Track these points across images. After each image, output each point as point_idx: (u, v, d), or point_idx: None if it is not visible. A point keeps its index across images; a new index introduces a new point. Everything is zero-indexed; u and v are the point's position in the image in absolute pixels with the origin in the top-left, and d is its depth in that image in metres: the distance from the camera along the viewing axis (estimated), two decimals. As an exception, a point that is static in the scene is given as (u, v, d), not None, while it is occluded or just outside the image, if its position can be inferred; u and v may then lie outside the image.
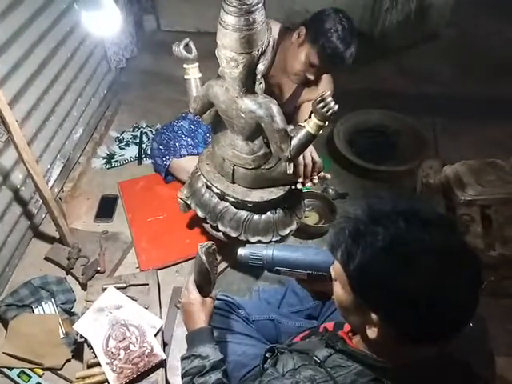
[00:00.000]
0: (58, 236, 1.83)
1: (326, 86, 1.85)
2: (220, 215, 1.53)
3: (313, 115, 1.25)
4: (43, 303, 1.65)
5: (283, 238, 1.59)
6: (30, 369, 1.49)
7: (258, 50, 1.19)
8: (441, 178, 1.85)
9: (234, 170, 1.46)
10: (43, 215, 1.99)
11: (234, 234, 1.54)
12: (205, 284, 1.10)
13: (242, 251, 1.11)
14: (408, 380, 0.70)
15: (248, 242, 1.53)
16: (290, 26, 1.80)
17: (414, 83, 2.89)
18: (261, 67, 1.23)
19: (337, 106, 1.20)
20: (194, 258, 1.87)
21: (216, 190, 1.51)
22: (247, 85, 1.27)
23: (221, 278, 1.81)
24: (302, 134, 1.29)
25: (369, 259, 0.65)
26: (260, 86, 1.28)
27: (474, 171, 1.79)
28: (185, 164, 2.05)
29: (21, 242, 1.84)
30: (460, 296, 0.64)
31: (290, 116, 1.94)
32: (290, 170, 1.39)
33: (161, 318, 1.56)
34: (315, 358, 0.75)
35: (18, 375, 1.47)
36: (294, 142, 1.30)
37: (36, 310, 1.64)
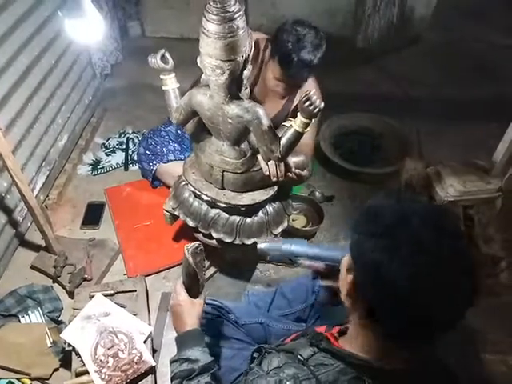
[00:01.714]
0: (43, 244, 1.82)
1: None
2: (212, 222, 1.54)
3: (299, 114, 1.28)
4: (30, 312, 1.63)
5: (276, 237, 1.61)
6: (18, 379, 1.48)
7: (243, 56, 1.21)
8: (424, 178, 1.88)
9: (223, 175, 1.47)
10: (29, 223, 1.97)
11: (228, 240, 1.54)
12: (193, 285, 1.11)
13: (261, 245, 1.17)
14: (389, 380, 0.71)
15: (243, 245, 1.54)
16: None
17: (397, 86, 2.94)
18: (246, 72, 1.26)
19: (322, 104, 1.24)
20: (181, 263, 1.88)
21: (206, 198, 1.51)
22: (232, 91, 1.28)
23: (209, 282, 1.81)
24: (290, 133, 1.32)
25: (379, 258, 0.65)
26: (246, 91, 1.30)
27: (456, 172, 1.83)
28: (172, 169, 2.04)
29: (6, 250, 1.81)
30: (453, 304, 0.64)
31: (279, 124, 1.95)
32: (267, 172, 1.43)
33: (150, 324, 1.56)
34: (299, 356, 0.76)
35: (6, 386, 1.45)
36: (283, 141, 1.33)
37: (22, 320, 1.62)
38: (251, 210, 1.51)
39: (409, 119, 2.58)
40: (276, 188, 1.54)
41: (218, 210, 1.53)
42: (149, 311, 1.60)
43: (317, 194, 2.17)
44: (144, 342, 1.44)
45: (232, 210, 1.50)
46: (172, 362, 1.02)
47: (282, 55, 1.51)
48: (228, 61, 1.18)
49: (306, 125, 1.29)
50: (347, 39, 3.13)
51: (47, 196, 2.10)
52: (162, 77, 1.44)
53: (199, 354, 0.98)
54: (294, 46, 1.48)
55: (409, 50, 3.27)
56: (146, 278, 1.75)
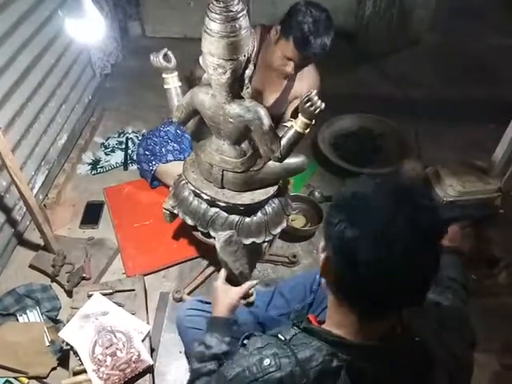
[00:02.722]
0: (42, 243, 1.82)
1: (313, 82, 1.88)
2: (211, 221, 1.54)
3: (300, 114, 1.29)
4: (28, 311, 1.63)
5: (275, 237, 1.61)
6: (16, 378, 1.48)
7: (245, 56, 1.21)
8: (423, 179, 1.89)
9: (223, 174, 1.47)
10: (27, 222, 1.97)
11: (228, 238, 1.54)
12: (229, 274, 1.15)
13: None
14: (364, 356, 0.73)
15: (242, 244, 1.54)
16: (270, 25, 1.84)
17: (396, 87, 2.95)
18: (248, 72, 1.26)
19: (323, 105, 1.25)
20: (180, 263, 1.89)
21: (206, 197, 1.51)
22: (234, 90, 1.29)
23: (208, 282, 1.81)
24: (290, 133, 1.33)
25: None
26: (247, 91, 1.31)
27: (455, 173, 1.83)
28: (171, 169, 2.05)
29: (5, 249, 1.81)
30: (414, 273, 0.67)
31: (280, 114, 1.97)
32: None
33: (148, 323, 1.56)
34: (281, 336, 0.78)
35: (3, 384, 1.45)
36: (284, 141, 1.34)
37: (21, 319, 1.62)
38: (250, 209, 1.51)
39: (408, 120, 2.59)
40: (276, 188, 1.54)
41: (217, 209, 1.53)
42: (147, 310, 1.60)
43: (316, 194, 2.17)
44: (142, 341, 1.44)
45: (231, 209, 1.51)
46: (196, 340, 1.09)
47: (299, 36, 1.57)
48: (230, 60, 1.19)
49: (307, 125, 1.30)
50: (347, 40, 3.13)
51: (46, 195, 2.10)
52: (163, 75, 1.45)
53: (214, 342, 1.03)
54: (310, 28, 1.55)
55: (408, 50, 3.28)
56: (145, 278, 1.75)
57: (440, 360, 0.78)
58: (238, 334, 1.24)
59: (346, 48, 3.09)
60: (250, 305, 1.31)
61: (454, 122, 2.52)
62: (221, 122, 1.36)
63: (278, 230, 1.59)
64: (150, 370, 1.39)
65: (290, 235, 1.95)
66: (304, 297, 1.38)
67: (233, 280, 1.18)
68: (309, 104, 1.24)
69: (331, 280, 0.75)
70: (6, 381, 1.46)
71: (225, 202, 1.49)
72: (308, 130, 1.32)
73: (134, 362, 1.37)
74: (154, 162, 2.07)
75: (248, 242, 1.53)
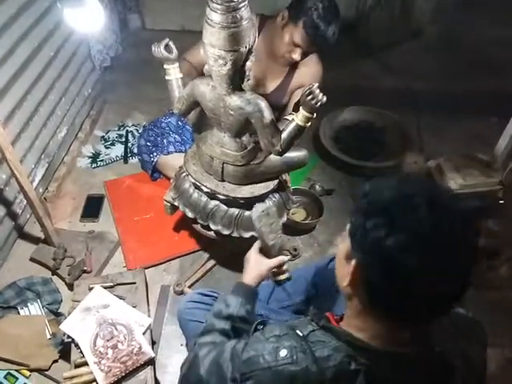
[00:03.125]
0: (43, 236, 1.81)
1: (316, 72, 1.87)
2: (211, 214, 1.53)
3: (301, 107, 1.27)
4: (29, 304, 1.63)
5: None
6: (17, 370, 1.48)
7: (246, 47, 1.20)
8: (425, 172, 1.88)
9: (223, 167, 1.47)
10: (28, 216, 1.96)
11: (226, 232, 1.54)
12: (265, 246, 1.18)
13: None
14: (383, 362, 0.71)
15: (241, 238, 1.53)
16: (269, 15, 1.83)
17: (398, 80, 2.93)
18: (249, 64, 1.24)
19: (325, 98, 1.23)
20: (181, 256, 1.88)
21: (206, 190, 1.51)
22: (235, 82, 1.28)
23: (209, 275, 1.82)
24: (291, 126, 1.31)
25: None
26: (248, 83, 1.29)
27: (457, 166, 1.82)
28: (172, 161, 2.04)
29: (5, 242, 1.81)
30: (453, 281, 0.64)
31: (281, 103, 1.96)
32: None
33: (149, 316, 1.56)
34: (298, 332, 0.76)
35: (5, 377, 1.45)
36: (284, 135, 1.33)
37: (22, 312, 1.62)
38: (250, 202, 1.50)
39: (410, 113, 2.57)
40: (276, 182, 1.53)
41: (217, 202, 1.52)
42: (148, 303, 1.60)
43: (317, 187, 2.17)
44: (143, 333, 1.44)
45: (231, 202, 1.50)
46: (219, 296, 1.13)
47: (309, 21, 1.57)
48: (231, 51, 1.18)
49: (308, 119, 1.29)
50: (348, 32, 3.10)
51: (46, 188, 2.09)
52: (165, 66, 1.44)
53: (235, 303, 1.05)
54: (321, 13, 1.55)
55: (411, 43, 3.25)
56: (146, 271, 1.75)
57: (458, 368, 0.76)
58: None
59: (347, 40, 3.06)
60: (279, 282, 1.28)
61: (456, 115, 2.51)
62: (221, 115, 1.35)
63: (247, 235, 1.56)
64: (151, 362, 1.39)
65: (291, 228, 1.94)
66: (305, 290, 1.38)
67: (266, 253, 1.19)
68: (310, 97, 1.22)
69: (360, 289, 0.70)
70: (8, 373, 1.46)
71: (224, 195, 1.48)
72: (309, 123, 1.31)
73: (135, 355, 1.37)
74: (155, 154, 2.06)
75: (247, 235, 1.53)
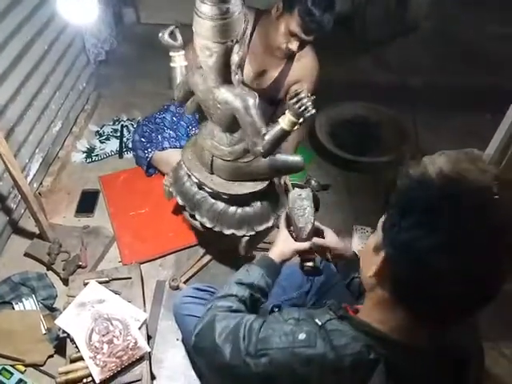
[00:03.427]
0: (37, 232, 1.81)
1: (312, 66, 1.87)
2: (198, 204, 1.52)
3: (287, 111, 1.23)
4: (24, 299, 1.63)
5: (258, 234, 1.56)
6: (12, 365, 1.47)
7: (233, 41, 1.17)
8: (420, 167, 1.88)
9: (212, 160, 1.45)
10: (22, 211, 1.95)
11: (209, 225, 1.52)
12: (294, 228, 1.19)
13: None
14: (402, 354, 0.71)
15: (222, 234, 1.52)
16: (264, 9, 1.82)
17: (394, 75, 2.92)
18: (235, 58, 1.20)
19: (313, 110, 1.18)
20: (177, 251, 1.88)
21: (195, 180, 1.50)
22: (223, 75, 1.25)
23: (204, 270, 1.81)
24: (276, 129, 1.27)
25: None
26: (236, 78, 1.25)
27: (453, 161, 1.82)
28: (167, 157, 2.03)
29: (-1, 238, 1.80)
30: (486, 284, 0.63)
31: (277, 97, 1.95)
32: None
33: (145, 311, 1.56)
34: (317, 320, 0.77)
35: (0, 372, 1.45)
36: (268, 136, 1.28)
37: (16, 307, 1.61)
38: (235, 200, 1.48)
39: (406, 108, 2.57)
40: (265, 185, 1.49)
41: (205, 194, 1.51)
42: (144, 298, 1.60)
43: (313, 182, 2.16)
44: (139, 328, 1.44)
45: (217, 196, 1.48)
46: (243, 266, 1.12)
47: (303, 7, 1.55)
48: (216, 43, 1.15)
49: (294, 123, 1.22)
50: (344, 26, 3.09)
51: (41, 183, 2.08)
52: (170, 53, 1.43)
53: (257, 274, 1.06)
54: (314, 1, 1.53)
55: (406, 38, 3.24)
56: (141, 266, 1.74)
57: (471, 363, 0.76)
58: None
59: (343, 35, 3.05)
60: (306, 271, 1.21)
61: (452, 111, 2.52)
62: (210, 107, 1.33)
63: (263, 227, 1.55)
64: (146, 357, 1.39)
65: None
66: (301, 284, 1.39)
67: (296, 235, 1.18)
68: (294, 100, 1.17)
69: (386, 282, 0.70)
70: (3, 368, 1.46)
71: (210, 188, 1.47)
72: (296, 127, 1.24)
73: (130, 349, 1.37)
74: (149, 149, 2.05)
75: (228, 232, 1.51)
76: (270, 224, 1.56)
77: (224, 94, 1.27)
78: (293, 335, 0.76)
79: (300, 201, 1.19)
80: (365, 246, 0.79)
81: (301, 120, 1.22)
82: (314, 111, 1.20)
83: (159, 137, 2.06)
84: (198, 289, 1.34)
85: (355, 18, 3.18)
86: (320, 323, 0.76)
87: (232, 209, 1.50)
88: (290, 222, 1.21)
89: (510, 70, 2.60)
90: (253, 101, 1.26)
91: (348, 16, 3.15)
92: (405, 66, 2.98)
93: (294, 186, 2.02)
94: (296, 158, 1.42)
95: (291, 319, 0.80)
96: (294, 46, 1.67)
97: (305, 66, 1.85)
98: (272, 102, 1.96)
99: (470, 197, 0.61)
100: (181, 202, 1.57)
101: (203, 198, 1.51)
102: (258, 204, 1.52)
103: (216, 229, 1.52)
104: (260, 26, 1.77)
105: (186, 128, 2.11)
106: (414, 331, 0.71)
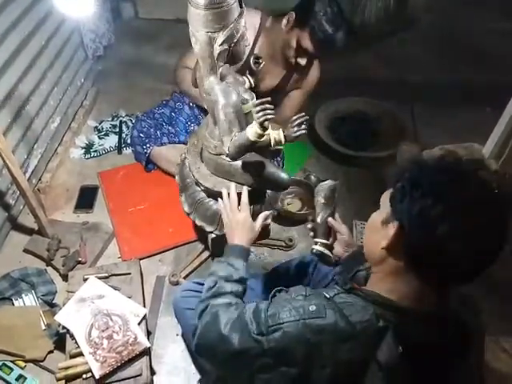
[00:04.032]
0: (36, 228, 1.80)
1: (312, 74, 1.86)
2: (185, 187, 1.52)
3: (254, 121, 1.16)
4: (23, 295, 1.63)
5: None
6: (12, 361, 1.47)
7: (215, 32, 1.15)
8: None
9: (201, 149, 1.45)
10: (21, 207, 1.95)
11: (187, 210, 1.51)
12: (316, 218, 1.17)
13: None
14: (411, 319, 0.75)
15: (194, 223, 1.51)
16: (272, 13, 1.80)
17: (393, 70, 2.92)
18: (216, 49, 1.17)
19: (270, 116, 1.10)
20: (176, 247, 1.88)
21: (187, 163, 1.50)
22: (209, 65, 1.22)
23: (204, 266, 1.81)
24: (241, 135, 1.22)
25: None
26: (219, 71, 1.23)
27: (453, 151, 1.82)
28: (166, 152, 2.03)
29: (-2, 234, 1.80)
30: (488, 251, 0.71)
31: (276, 103, 1.94)
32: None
33: (144, 306, 1.56)
34: (325, 294, 0.81)
35: (0, 368, 1.45)
36: (233, 140, 1.25)
37: (16, 303, 1.61)
38: (210, 194, 1.45)
39: (405, 103, 2.57)
40: (244, 189, 1.37)
41: (193, 180, 1.50)
42: (143, 294, 1.60)
43: (312, 177, 2.16)
44: (138, 324, 1.44)
45: (198, 184, 1.47)
46: (217, 261, 1.11)
47: (317, 26, 1.54)
48: (198, 31, 1.15)
49: (258, 135, 1.15)
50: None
51: (39, 179, 2.07)
52: None
53: (242, 267, 1.07)
54: (329, 19, 1.52)
55: (406, 33, 3.23)
56: (141, 262, 1.74)
57: (473, 329, 0.82)
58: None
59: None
60: (316, 254, 1.17)
61: (451, 105, 2.51)
62: (202, 94, 1.33)
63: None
64: (146, 352, 1.40)
65: (286, 219, 1.94)
66: (300, 279, 1.38)
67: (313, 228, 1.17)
68: (258, 109, 1.11)
69: (398, 251, 0.75)
70: (3, 364, 1.46)
71: (193, 176, 1.46)
72: (262, 139, 1.17)
73: (130, 345, 1.37)
74: (148, 145, 2.05)
75: (199, 223, 1.50)
76: (209, 229, 1.48)
77: (209, 84, 1.26)
78: (303, 308, 0.78)
79: (329, 192, 1.18)
80: (369, 223, 0.85)
81: (267, 132, 1.15)
82: (304, 131, 1.20)
83: (158, 132, 2.05)
84: (197, 283, 1.34)
85: (354, 13, 3.17)
86: (328, 296, 0.80)
87: (209, 202, 1.47)
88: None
89: (510, 65, 2.60)
90: (230, 98, 1.23)
91: (347, 11, 3.13)
92: (404, 61, 2.98)
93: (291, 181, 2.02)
94: (283, 175, 1.32)
95: (299, 296, 0.82)
96: (303, 61, 1.66)
97: (307, 74, 1.84)
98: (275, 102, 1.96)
99: (469, 172, 0.72)
100: (177, 180, 1.57)
101: (191, 183, 1.50)
102: (209, 200, 1.47)
103: (191, 216, 1.51)
104: (266, 32, 1.75)
105: (184, 123, 2.10)
106: (423, 297, 0.76)
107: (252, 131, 1.16)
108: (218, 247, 1.49)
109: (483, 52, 3.01)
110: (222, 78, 1.26)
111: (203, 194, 1.48)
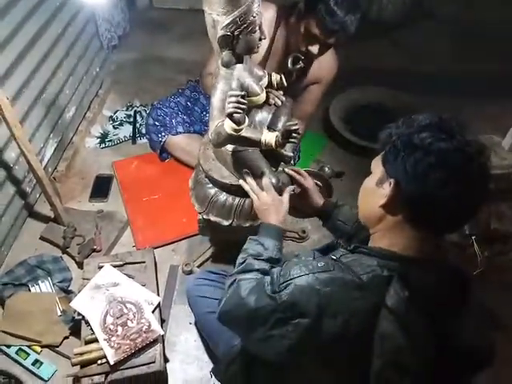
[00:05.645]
0: (52, 215, 1.82)
1: (331, 66, 1.83)
2: (197, 183, 1.51)
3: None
4: (40, 282, 1.65)
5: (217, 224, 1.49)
6: (28, 346, 1.50)
7: (218, 15, 1.13)
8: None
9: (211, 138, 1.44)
10: (37, 195, 1.97)
11: (197, 208, 1.50)
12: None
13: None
14: (413, 267, 0.80)
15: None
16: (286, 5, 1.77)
17: (410, 61, 2.87)
18: (219, 32, 1.15)
19: (240, 111, 1.11)
20: (190, 236, 1.88)
21: (198, 151, 1.50)
22: (216, 47, 1.21)
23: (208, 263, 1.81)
24: (220, 125, 1.21)
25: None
26: (221, 55, 1.21)
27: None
28: (180, 142, 2.03)
29: (15, 221, 1.82)
30: (475, 203, 0.79)
31: (296, 98, 1.92)
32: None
33: (158, 295, 1.56)
34: (332, 256, 0.86)
35: (17, 353, 1.48)
36: (215, 128, 1.23)
37: (33, 289, 1.64)
38: (216, 184, 1.44)
39: (421, 94, 2.52)
40: (226, 181, 1.39)
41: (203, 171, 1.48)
42: (157, 282, 1.61)
43: (326, 169, 2.14)
44: (152, 312, 1.46)
45: (208, 177, 1.46)
46: (251, 239, 1.13)
47: (325, 8, 1.49)
48: (206, 12, 1.15)
49: (232, 129, 1.15)
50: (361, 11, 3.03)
51: (55, 168, 2.09)
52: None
53: (272, 246, 1.08)
54: (337, 1, 1.49)
55: (423, 23, 3.17)
56: (155, 251, 1.75)
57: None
58: None
59: (360, 20, 2.99)
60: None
61: (470, 97, 2.45)
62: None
63: (216, 219, 1.47)
64: (160, 340, 1.41)
65: (299, 211, 1.92)
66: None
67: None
68: (229, 100, 1.10)
69: (397, 206, 0.81)
70: (20, 349, 1.49)
71: (199, 161, 1.46)
72: (238, 134, 1.17)
73: (144, 332, 1.38)
74: (163, 133, 2.05)
75: (200, 210, 1.50)
76: (225, 223, 1.46)
77: (217, 67, 1.24)
78: (311, 264, 0.83)
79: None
80: (362, 188, 0.92)
81: (241, 127, 1.16)
82: (292, 154, 1.27)
83: (173, 121, 2.05)
84: (211, 272, 1.35)
85: (372, 2, 3.11)
86: (335, 258, 0.85)
87: (224, 196, 1.45)
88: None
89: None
90: (229, 88, 1.21)
91: (364, 1, 3.08)
92: (421, 51, 2.92)
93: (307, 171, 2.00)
94: (273, 180, 1.27)
95: (308, 258, 0.87)
96: (314, 48, 1.60)
97: (324, 66, 1.80)
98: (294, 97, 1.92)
99: (454, 127, 0.80)
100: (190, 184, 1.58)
101: (200, 173, 1.49)
102: (223, 195, 1.45)
103: (203, 215, 1.49)
104: (282, 27, 1.71)
105: (200, 113, 2.09)
106: (422, 247, 0.82)
107: (226, 123, 1.17)
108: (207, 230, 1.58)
109: (502, 43, 2.92)
110: (225, 65, 1.23)
111: (215, 190, 1.46)
